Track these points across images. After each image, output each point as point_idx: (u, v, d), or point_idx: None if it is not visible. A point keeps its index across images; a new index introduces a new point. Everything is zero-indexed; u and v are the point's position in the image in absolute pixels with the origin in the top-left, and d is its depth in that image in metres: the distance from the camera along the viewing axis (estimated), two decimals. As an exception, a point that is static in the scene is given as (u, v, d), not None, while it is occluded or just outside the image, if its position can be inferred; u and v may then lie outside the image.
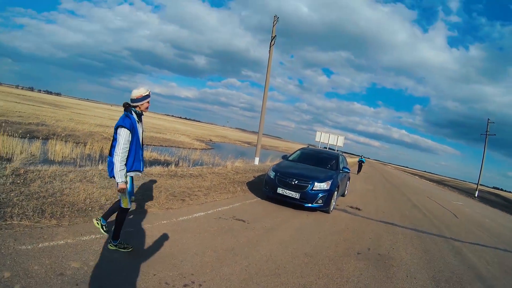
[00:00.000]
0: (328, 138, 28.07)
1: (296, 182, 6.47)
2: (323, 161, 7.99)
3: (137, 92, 3.03)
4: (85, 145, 12.28)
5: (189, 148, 19.85)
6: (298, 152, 8.74)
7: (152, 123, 40.10)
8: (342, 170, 7.67)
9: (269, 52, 14.58)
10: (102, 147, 12.28)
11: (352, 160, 48.29)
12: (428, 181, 47.88)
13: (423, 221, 8.21)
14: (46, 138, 12.05)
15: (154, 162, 10.77)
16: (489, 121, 32.42)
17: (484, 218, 11.75)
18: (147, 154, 12.73)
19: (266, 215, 5.88)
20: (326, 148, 32.71)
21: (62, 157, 9.91)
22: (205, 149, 24.04)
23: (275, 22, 14.49)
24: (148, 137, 19.31)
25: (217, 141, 40.47)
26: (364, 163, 23.30)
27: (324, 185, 6.47)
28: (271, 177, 6.89)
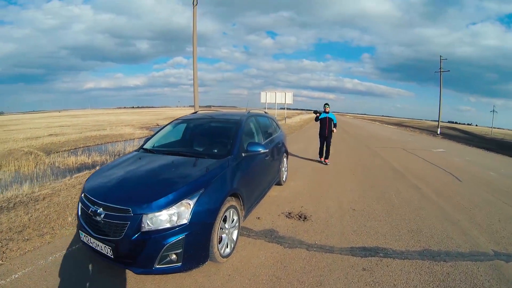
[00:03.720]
0: (275, 97, 25.57)
1: (103, 215, 2.42)
2: (210, 141, 3.88)
3: None
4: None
5: (128, 140, 17.42)
6: (168, 127, 4.41)
7: (95, 121, 37.85)
8: (248, 152, 3.45)
9: (193, 13, 13.48)
10: (19, 166, 10.08)
11: (307, 117, 45.42)
12: (389, 126, 46.82)
13: (425, 211, 4.46)
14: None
15: (76, 169, 9.28)
16: (441, 58, 32.11)
17: (486, 170, 8.58)
18: (71, 160, 10.68)
19: None
20: (274, 108, 29.21)
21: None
22: (147, 136, 20.75)
23: (198, -22, 13.23)
24: (82, 138, 17.25)
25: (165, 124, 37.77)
26: (335, 125, 7.98)
27: (172, 214, 2.35)
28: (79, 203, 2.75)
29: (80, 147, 14.49)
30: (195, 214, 2.38)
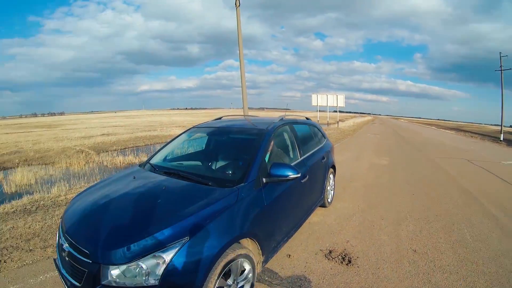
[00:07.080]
0: (326, 100, 24.94)
1: (66, 252, 2.02)
2: (225, 160, 3.25)
3: None
4: (53, 165, 10.87)
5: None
6: (183, 136, 3.83)
7: (147, 121, 40.56)
8: (272, 177, 2.59)
9: (236, 14, 13.07)
10: (70, 163, 10.79)
11: (360, 121, 42.59)
12: (446, 130, 42.85)
13: (510, 259, 3.52)
14: (17, 166, 10.43)
15: (122, 169, 9.04)
16: (501, 55, 27.98)
17: None
18: (119, 160, 11.23)
19: None
20: (326, 111, 27.82)
21: (16, 186, 7.75)
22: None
23: (238, -23, 12.88)
24: (133, 138, 18.21)
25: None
26: None
27: (137, 270, 1.78)
28: None
29: (129, 147, 15.11)
30: (170, 272, 1.76)
